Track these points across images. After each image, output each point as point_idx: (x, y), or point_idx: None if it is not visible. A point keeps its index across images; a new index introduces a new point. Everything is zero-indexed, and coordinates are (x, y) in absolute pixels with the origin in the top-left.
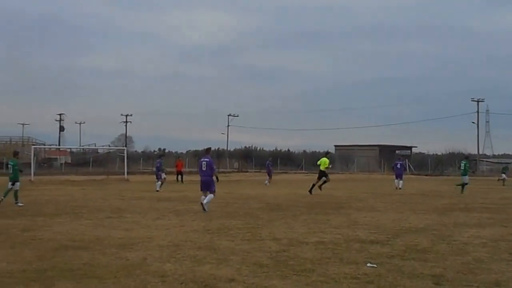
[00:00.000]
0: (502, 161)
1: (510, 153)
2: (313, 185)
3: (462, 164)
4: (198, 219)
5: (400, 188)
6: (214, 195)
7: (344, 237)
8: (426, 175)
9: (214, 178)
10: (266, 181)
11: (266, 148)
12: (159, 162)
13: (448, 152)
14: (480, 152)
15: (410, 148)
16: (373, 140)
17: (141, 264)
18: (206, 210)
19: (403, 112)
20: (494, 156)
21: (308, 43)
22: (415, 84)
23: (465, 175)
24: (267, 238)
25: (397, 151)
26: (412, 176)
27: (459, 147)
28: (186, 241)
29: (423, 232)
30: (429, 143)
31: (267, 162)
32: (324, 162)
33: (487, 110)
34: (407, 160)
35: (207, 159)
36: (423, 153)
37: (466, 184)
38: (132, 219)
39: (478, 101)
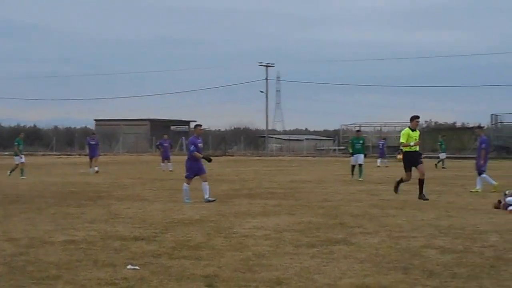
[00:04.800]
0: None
1: (303, 128)
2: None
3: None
4: None
5: (171, 171)
6: None
7: (101, 234)
8: None
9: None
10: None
11: (5, 123)
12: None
13: (232, 128)
14: (270, 128)
15: (187, 122)
16: (144, 114)
17: None
18: None
19: (181, 79)
20: (285, 132)
21: None
22: (193, 44)
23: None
24: (1, 238)
25: (172, 127)
26: None
27: (245, 121)
28: None
29: (198, 224)
30: (211, 117)
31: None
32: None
33: (278, 77)
34: (183, 138)
35: None
36: (204, 129)
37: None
38: None
39: (267, 66)
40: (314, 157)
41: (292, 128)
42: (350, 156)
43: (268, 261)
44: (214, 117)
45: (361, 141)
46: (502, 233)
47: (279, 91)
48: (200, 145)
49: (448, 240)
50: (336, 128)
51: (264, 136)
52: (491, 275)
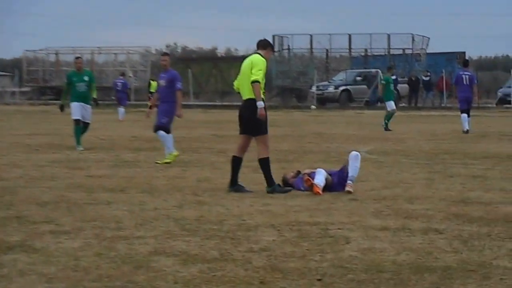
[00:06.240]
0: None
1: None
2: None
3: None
4: None
5: None
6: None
7: None
8: None
9: None
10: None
11: None
12: None
13: None
14: None
15: None
16: None
17: None
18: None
19: None
20: None
21: None
22: None
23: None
24: None
25: None
26: None
27: None
28: None
29: None
30: None
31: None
32: None
33: None
34: None
35: None
36: None
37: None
38: None
39: None
40: None
41: None
42: (64, 107)
43: None
44: None
45: (86, 78)
46: (281, 228)
47: None
48: None
49: (196, 241)
50: (17, 56)
51: None
52: None
